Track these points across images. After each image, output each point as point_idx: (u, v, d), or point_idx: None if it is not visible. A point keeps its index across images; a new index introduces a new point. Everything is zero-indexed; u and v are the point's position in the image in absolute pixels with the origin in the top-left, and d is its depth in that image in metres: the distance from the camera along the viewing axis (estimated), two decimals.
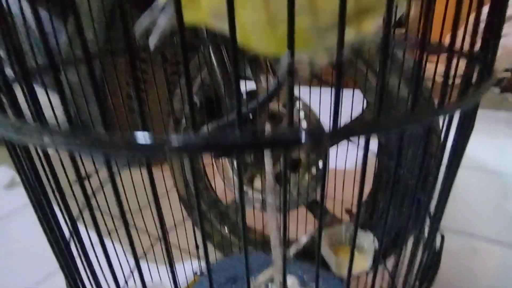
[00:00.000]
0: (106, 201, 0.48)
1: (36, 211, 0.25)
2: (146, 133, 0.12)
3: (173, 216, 0.64)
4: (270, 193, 0.43)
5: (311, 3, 0.19)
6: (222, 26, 0.22)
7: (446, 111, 0.18)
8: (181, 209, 0.74)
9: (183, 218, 0.71)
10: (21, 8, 0.36)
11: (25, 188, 0.25)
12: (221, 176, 0.78)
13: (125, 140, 0.12)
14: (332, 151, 0.69)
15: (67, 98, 0.54)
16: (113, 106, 0.51)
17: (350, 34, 0.21)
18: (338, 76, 0.12)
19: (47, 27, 0.34)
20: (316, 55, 0.22)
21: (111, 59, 0.43)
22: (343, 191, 0.70)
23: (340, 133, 0.13)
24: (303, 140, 0.12)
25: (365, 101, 0.61)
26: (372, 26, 0.21)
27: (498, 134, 1.38)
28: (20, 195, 1.14)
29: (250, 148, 0.11)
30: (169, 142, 0.12)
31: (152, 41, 0.22)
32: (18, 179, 1.39)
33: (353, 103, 0.57)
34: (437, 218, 0.29)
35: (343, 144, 0.69)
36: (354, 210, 0.69)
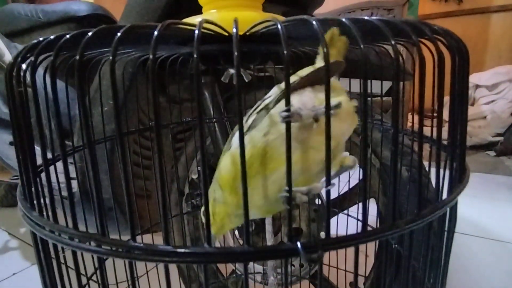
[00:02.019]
0: None
1: None
2: (168, 246, 0.14)
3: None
4: (271, 269, 0.43)
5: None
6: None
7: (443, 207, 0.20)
8: (180, 282, 0.72)
9: None
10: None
11: None
12: (221, 245, 0.76)
13: (150, 249, 0.14)
14: (334, 219, 0.68)
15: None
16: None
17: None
18: (328, 213, 0.14)
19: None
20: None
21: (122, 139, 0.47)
22: (345, 261, 0.68)
23: (333, 243, 0.14)
24: (300, 251, 0.13)
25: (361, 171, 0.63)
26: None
27: (499, 198, 1.37)
28: (13, 261, 1.09)
29: (256, 258, 0.13)
30: (189, 254, 0.14)
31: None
32: (11, 244, 1.33)
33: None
34: None
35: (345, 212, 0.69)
36: (360, 284, 0.66)
